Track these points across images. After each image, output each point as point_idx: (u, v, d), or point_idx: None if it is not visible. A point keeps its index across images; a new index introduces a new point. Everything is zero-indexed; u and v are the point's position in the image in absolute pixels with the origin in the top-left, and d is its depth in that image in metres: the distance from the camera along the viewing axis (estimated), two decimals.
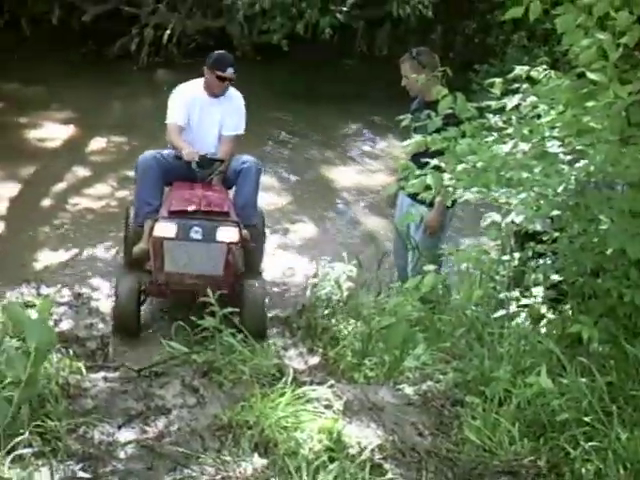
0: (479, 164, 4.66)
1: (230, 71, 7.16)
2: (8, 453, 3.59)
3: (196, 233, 6.50)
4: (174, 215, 6.62)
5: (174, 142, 7.20)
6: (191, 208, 6.64)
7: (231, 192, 7.37)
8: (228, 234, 6.57)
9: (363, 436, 4.15)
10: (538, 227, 5.31)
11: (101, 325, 6.74)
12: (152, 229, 6.67)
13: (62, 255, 7.88)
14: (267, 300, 6.89)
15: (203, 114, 7.30)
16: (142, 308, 6.73)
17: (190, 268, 6.55)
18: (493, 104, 4.80)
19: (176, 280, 6.58)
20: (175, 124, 7.23)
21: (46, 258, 7.79)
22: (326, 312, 6.53)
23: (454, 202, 5.96)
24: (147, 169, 7.14)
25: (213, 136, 7.36)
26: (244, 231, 6.82)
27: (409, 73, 6.43)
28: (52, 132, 11.11)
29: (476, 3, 14.52)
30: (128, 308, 6.56)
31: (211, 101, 7.31)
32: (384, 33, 15.47)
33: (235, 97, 7.44)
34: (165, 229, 6.55)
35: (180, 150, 7.06)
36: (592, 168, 4.55)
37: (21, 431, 3.73)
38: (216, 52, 7.37)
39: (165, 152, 7.27)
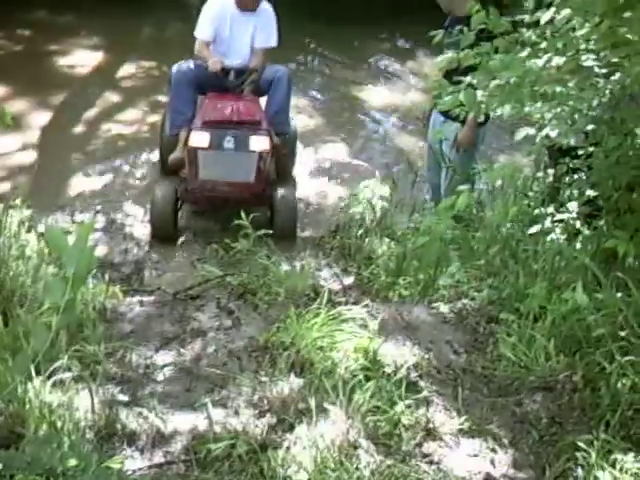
0: (512, 79, 4.58)
1: None
2: (48, 378, 3.63)
3: (229, 142, 6.78)
4: (208, 125, 6.87)
5: (202, 55, 7.30)
6: (224, 118, 6.89)
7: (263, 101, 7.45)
8: (260, 143, 6.84)
9: (399, 355, 4.17)
10: (572, 142, 5.24)
11: (135, 250, 6.77)
12: (187, 139, 6.96)
13: (95, 182, 7.89)
14: (296, 203, 7.15)
15: (234, 27, 7.35)
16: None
17: (223, 176, 6.85)
18: (526, 18, 4.70)
19: (210, 187, 6.88)
20: (202, 39, 7.32)
21: (79, 185, 7.80)
22: (359, 232, 6.50)
23: (487, 119, 5.90)
24: (181, 79, 7.32)
25: (245, 49, 7.42)
26: (276, 138, 7.13)
27: None
28: (82, 59, 11.04)
29: None
30: (165, 212, 6.87)
31: (242, 14, 7.34)
32: None
33: (266, 10, 7.46)
34: (199, 139, 6.82)
35: (206, 61, 7.19)
36: (628, 81, 4.47)
37: (60, 356, 3.77)
38: None
39: (199, 62, 7.36)
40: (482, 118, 5.67)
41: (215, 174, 6.86)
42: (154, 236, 6.95)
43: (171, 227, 6.94)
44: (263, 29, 7.41)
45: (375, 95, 10.49)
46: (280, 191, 7.00)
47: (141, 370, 4.10)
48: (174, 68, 7.45)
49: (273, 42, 7.49)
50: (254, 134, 6.86)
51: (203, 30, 7.33)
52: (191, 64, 7.40)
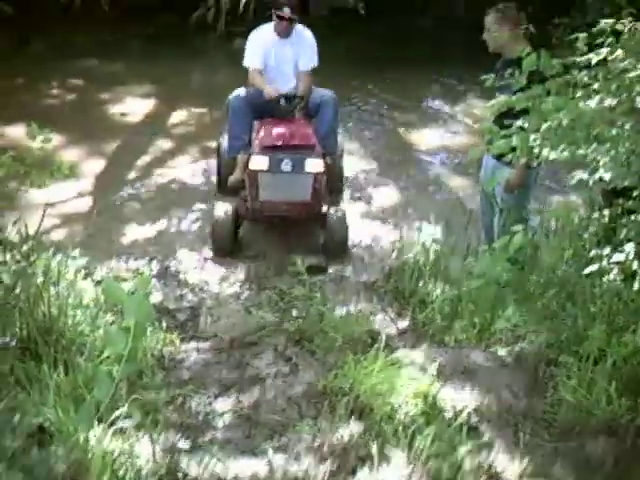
0: (565, 121, 4.57)
1: (287, 10, 7.77)
2: (109, 426, 3.65)
3: (286, 165, 7.30)
4: (266, 150, 7.41)
5: (256, 83, 7.95)
6: (281, 143, 7.44)
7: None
8: (315, 165, 7.36)
9: (458, 399, 4.15)
10: (627, 183, 5.20)
11: (190, 296, 6.78)
12: (246, 162, 7.57)
13: (149, 229, 7.95)
14: (347, 220, 7.58)
15: (277, 54, 8.04)
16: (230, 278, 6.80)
17: (282, 196, 7.39)
18: (578, 60, 4.69)
19: (269, 207, 7.45)
20: (254, 67, 7.99)
21: (134, 232, 7.86)
22: (413, 276, 6.48)
23: (539, 162, 5.87)
24: (238, 106, 7.93)
25: (289, 73, 8.11)
26: (327, 159, 7.74)
27: (492, 27, 6.34)
28: (133, 107, 11.20)
29: None
30: (226, 228, 7.41)
31: (283, 41, 8.02)
32: None
33: (304, 34, 8.13)
34: (259, 162, 7.36)
35: (261, 89, 7.85)
36: None
37: (120, 404, 3.79)
38: None
39: (252, 90, 7.99)
40: (535, 162, 5.65)
41: (274, 195, 7.37)
42: (216, 253, 7.43)
43: (232, 244, 7.46)
44: (304, 52, 8.07)
45: (426, 137, 10.51)
46: (332, 209, 7.56)
47: (201, 417, 4.11)
48: (231, 96, 8.04)
49: (315, 62, 8.13)
50: (309, 157, 7.36)
51: (253, 59, 8.01)
52: (246, 91, 7.99)
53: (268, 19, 8.06)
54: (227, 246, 7.45)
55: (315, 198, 7.43)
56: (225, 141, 8.23)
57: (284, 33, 7.95)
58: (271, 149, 7.41)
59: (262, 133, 7.67)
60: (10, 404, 3.97)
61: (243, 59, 8.09)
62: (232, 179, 7.98)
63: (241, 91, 8.04)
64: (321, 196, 7.52)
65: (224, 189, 8.21)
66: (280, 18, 7.83)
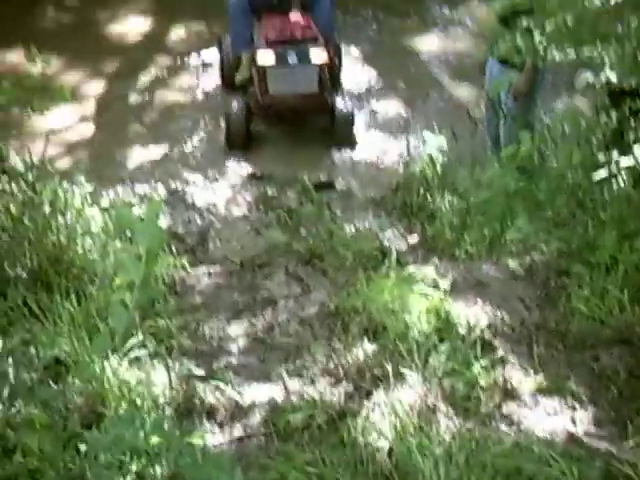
0: (570, 20, 4.46)
1: None
2: (124, 355, 3.66)
3: (292, 58, 7.60)
4: (272, 44, 7.65)
5: None
6: (286, 37, 7.69)
7: None
8: (319, 56, 7.66)
9: (471, 314, 4.15)
10: (633, 84, 5.12)
11: (198, 219, 6.75)
12: (252, 58, 7.84)
13: (154, 151, 7.88)
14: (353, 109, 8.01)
15: None
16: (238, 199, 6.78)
17: (290, 89, 7.67)
18: None
19: (279, 101, 7.72)
20: None
21: (138, 155, 7.80)
22: (421, 189, 6.44)
23: (544, 63, 5.77)
24: (237, 5, 8.19)
25: None
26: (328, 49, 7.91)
27: None
28: (131, 25, 10.98)
29: None
30: (239, 124, 7.74)
31: None
32: None
33: None
34: (266, 58, 7.61)
35: None
36: None
37: (134, 332, 3.80)
38: None
39: None
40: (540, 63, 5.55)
41: (283, 88, 7.65)
42: (231, 148, 7.77)
43: (245, 138, 7.80)
44: None
45: (427, 44, 10.31)
46: (338, 99, 7.92)
47: (214, 342, 4.12)
48: None
49: None
50: (313, 48, 7.63)
51: None
52: None
53: None
54: (241, 140, 7.76)
55: (321, 88, 7.73)
56: (225, 38, 8.53)
57: None
58: (276, 44, 7.64)
59: (265, 29, 7.85)
60: (25, 336, 3.99)
61: None
62: (239, 77, 8.20)
63: None
64: (327, 86, 7.83)
65: (228, 85, 8.47)
66: None
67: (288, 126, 8.10)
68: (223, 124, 7.94)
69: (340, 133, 7.84)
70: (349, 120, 7.88)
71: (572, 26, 4.44)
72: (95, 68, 9.63)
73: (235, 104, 7.78)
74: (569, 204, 5.09)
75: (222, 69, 8.73)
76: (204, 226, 6.52)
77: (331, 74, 8.08)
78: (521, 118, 6.25)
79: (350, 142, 7.86)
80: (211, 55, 9.47)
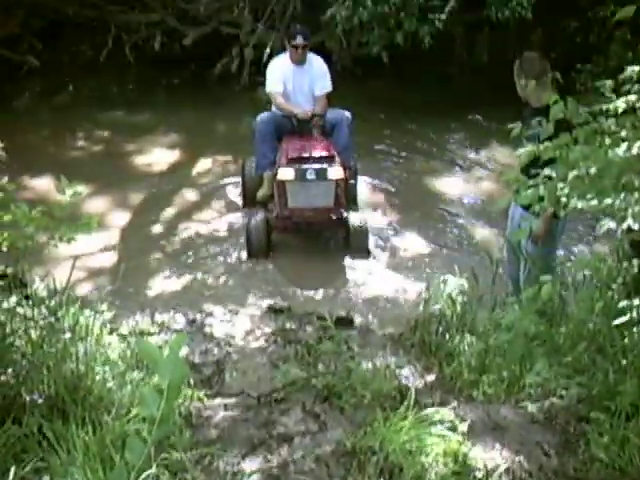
0: (593, 170, 4.52)
1: (300, 39, 8.91)
2: None
3: (311, 174, 8.24)
4: (292, 161, 8.34)
5: (283, 106, 8.99)
6: (305, 154, 8.40)
7: None
8: (336, 173, 8.29)
9: (489, 458, 4.09)
10: None
11: (216, 350, 6.74)
12: (273, 177, 8.58)
13: (174, 281, 7.97)
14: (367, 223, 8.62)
15: (294, 81, 9.09)
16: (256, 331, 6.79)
17: (308, 203, 8.33)
18: (605, 107, 4.65)
19: (297, 214, 8.40)
20: (276, 92, 9.03)
21: (159, 284, 7.88)
22: (440, 328, 6.43)
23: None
24: (264, 128, 8.98)
25: (305, 98, 9.14)
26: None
27: (517, 76, 6.34)
28: (158, 156, 11.26)
29: (576, 1, 14.20)
30: (260, 235, 8.40)
31: (298, 69, 9.09)
32: (483, 38, 15.31)
33: (317, 62, 9.26)
34: (286, 173, 8.30)
35: (290, 111, 8.92)
36: None
37: (148, 465, 3.75)
38: (292, 25, 10.01)
39: (278, 113, 9.09)
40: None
41: (301, 202, 8.32)
42: (252, 256, 8.39)
43: (265, 249, 8.42)
44: (319, 78, 9.16)
45: (450, 184, 10.50)
46: (353, 214, 8.59)
47: (229, 478, 4.06)
48: (258, 119, 9.07)
49: (329, 87, 9.21)
50: (331, 166, 8.28)
51: (275, 84, 9.05)
52: (270, 115, 9.10)
53: (284, 49, 9.29)
54: (261, 249, 8.38)
55: (337, 203, 8.37)
56: (250, 161, 9.30)
57: (298, 61, 9.02)
58: (296, 160, 8.33)
59: (287, 148, 8.58)
60: (38, 465, 3.96)
61: (265, 86, 9.22)
62: (260, 194, 9.02)
63: (266, 114, 9.12)
64: (342, 202, 8.46)
65: (249, 204, 9.27)
66: (294, 47, 8.92)
67: (305, 239, 8.70)
68: (243, 239, 8.51)
69: (355, 244, 8.47)
70: (363, 233, 8.47)
71: (595, 176, 4.50)
72: (121, 198, 9.84)
73: (256, 217, 8.45)
74: (589, 349, 5.07)
75: (244, 189, 9.46)
76: (221, 357, 6.49)
77: (347, 190, 8.69)
78: (541, 262, 6.28)
79: (364, 252, 8.47)
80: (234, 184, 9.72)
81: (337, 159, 8.41)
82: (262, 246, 8.38)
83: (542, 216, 6.13)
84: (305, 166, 8.26)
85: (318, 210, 8.38)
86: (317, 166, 8.26)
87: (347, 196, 8.73)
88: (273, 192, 8.70)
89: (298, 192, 8.29)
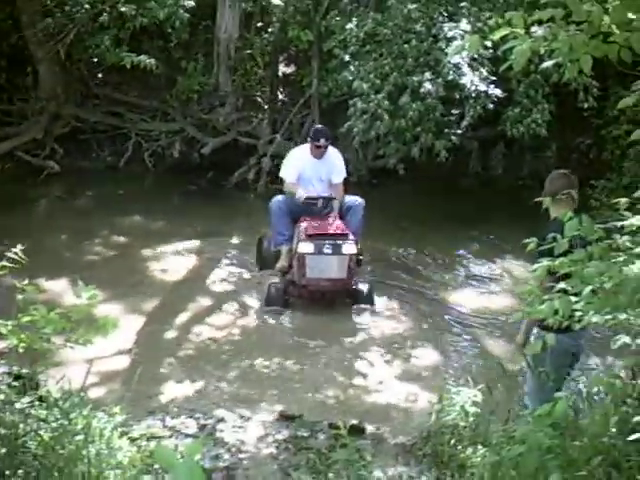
0: (608, 286, 4.56)
1: (322, 141, 9.99)
2: None
3: (327, 249, 9.44)
4: (311, 237, 9.50)
5: (289, 188, 10.09)
6: (322, 232, 9.56)
7: None
8: (349, 248, 9.50)
9: None
10: None
11: (226, 456, 6.71)
12: (291, 250, 9.80)
13: (187, 387, 7.95)
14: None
15: (311, 171, 10.19)
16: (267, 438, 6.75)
17: (324, 274, 9.50)
18: (620, 224, 4.70)
19: (314, 283, 9.57)
20: (290, 181, 10.15)
21: (171, 390, 7.86)
22: (452, 439, 6.39)
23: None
24: (279, 208, 10.08)
25: (322, 185, 10.26)
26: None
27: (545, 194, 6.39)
28: (173, 263, 11.35)
29: (590, 119, 14.45)
30: (278, 298, 9.65)
31: (316, 161, 10.19)
32: (498, 153, 15.55)
33: (334, 154, 10.38)
34: (306, 247, 9.48)
35: (292, 193, 9.94)
36: None
37: None
38: (314, 126, 11.05)
39: (289, 197, 10.07)
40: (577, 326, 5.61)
41: (318, 273, 9.46)
42: (270, 307, 9.66)
43: (284, 305, 9.67)
44: (335, 169, 10.34)
45: (465, 298, 10.53)
46: (360, 284, 9.87)
47: None
48: (273, 200, 10.18)
49: (344, 174, 10.45)
50: (345, 242, 9.47)
51: (290, 173, 10.19)
52: (285, 197, 10.12)
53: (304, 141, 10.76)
54: (280, 306, 9.60)
55: (349, 275, 9.56)
56: (266, 238, 10.47)
57: (318, 157, 10.10)
58: (315, 237, 9.46)
59: (306, 226, 9.66)
60: None
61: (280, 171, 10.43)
62: (279, 266, 10.01)
63: (280, 197, 10.17)
64: (354, 273, 9.64)
65: (263, 266, 10.49)
66: (317, 147, 10.00)
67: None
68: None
69: (361, 303, 9.74)
70: (369, 298, 9.75)
71: (610, 292, 4.52)
72: (136, 302, 9.89)
73: (275, 284, 9.70)
74: (604, 464, 5.02)
75: (258, 259, 10.68)
76: (232, 463, 6.47)
77: (357, 262, 9.80)
78: (556, 376, 6.26)
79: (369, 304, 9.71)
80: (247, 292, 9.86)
81: (351, 236, 9.55)
82: (280, 305, 9.62)
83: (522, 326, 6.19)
84: (323, 241, 9.39)
85: (333, 281, 9.55)
86: (333, 242, 9.41)
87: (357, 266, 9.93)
88: (290, 264, 9.84)
89: (316, 264, 9.43)
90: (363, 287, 9.82)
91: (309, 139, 10.23)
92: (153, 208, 13.67)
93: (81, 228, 12.58)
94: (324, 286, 9.61)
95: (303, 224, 9.78)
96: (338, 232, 9.59)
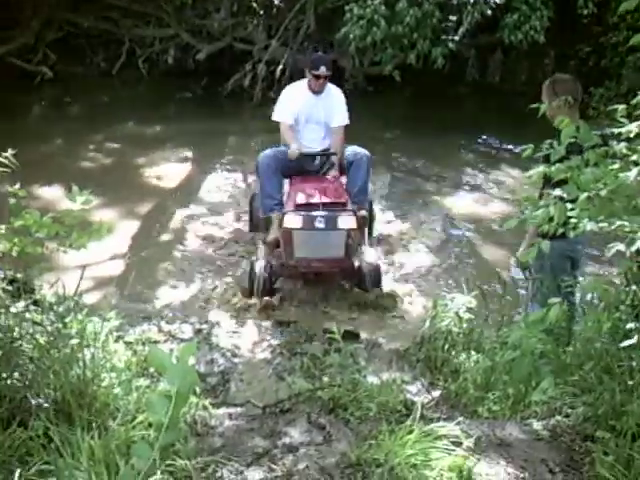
0: (604, 192, 4.53)
1: (323, 69, 8.15)
2: None
3: (320, 223, 7.45)
4: (300, 208, 7.59)
5: (286, 139, 8.32)
6: (314, 201, 7.63)
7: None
8: (347, 222, 7.49)
9: (493, 473, 4.08)
10: None
11: (221, 360, 6.76)
12: (281, 221, 7.68)
13: (181, 291, 7.98)
14: (380, 266, 8.00)
15: (309, 111, 8.42)
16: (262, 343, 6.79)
17: (316, 253, 7.59)
18: (617, 131, 4.66)
19: (304, 264, 7.67)
20: (285, 123, 8.38)
21: (166, 294, 7.89)
22: (446, 345, 6.43)
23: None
24: (268, 166, 8.15)
25: (319, 131, 8.55)
26: (360, 212, 7.96)
27: (545, 99, 6.29)
28: (169, 170, 11.31)
29: (589, 26, 14.28)
30: (263, 283, 7.60)
31: (314, 98, 8.40)
32: (496, 60, 15.40)
33: (335, 93, 8.56)
34: (293, 221, 7.51)
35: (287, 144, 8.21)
36: None
37: (152, 472, 3.75)
38: (314, 54, 8.91)
39: (282, 149, 8.27)
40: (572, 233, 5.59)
41: (309, 252, 7.57)
42: (252, 295, 7.66)
43: (269, 293, 7.66)
44: (336, 110, 8.47)
45: (460, 205, 10.52)
46: (365, 260, 7.85)
47: None
48: (260, 155, 8.31)
49: (346, 120, 8.54)
50: (341, 214, 7.51)
51: (284, 114, 8.41)
52: (275, 150, 8.28)
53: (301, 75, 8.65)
54: (265, 294, 7.61)
55: (348, 254, 7.60)
56: (258, 197, 8.52)
57: (318, 90, 8.34)
58: (304, 207, 7.59)
59: (294, 192, 7.88)
60: (43, 468, 3.95)
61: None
62: (269, 239, 8.00)
63: (270, 151, 8.28)
64: (353, 251, 7.72)
65: (253, 228, 8.82)
66: (317, 77, 8.19)
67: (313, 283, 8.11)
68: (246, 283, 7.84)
69: (366, 288, 7.76)
70: (375, 280, 7.78)
71: (606, 198, 4.50)
72: (131, 209, 9.87)
73: (260, 264, 7.71)
74: (596, 369, 5.06)
75: (250, 218, 8.91)
76: (227, 367, 6.52)
77: (361, 233, 8.05)
78: (550, 282, 6.27)
79: (376, 292, 7.78)
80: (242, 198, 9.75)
81: (349, 205, 7.76)
82: (266, 293, 7.66)
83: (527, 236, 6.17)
84: (314, 213, 7.49)
85: (327, 261, 7.65)
86: (327, 214, 7.49)
87: (363, 236, 8.21)
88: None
89: (305, 241, 7.53)
90: (368, 267, 7.86)
91: (307, 70, 8.34)
92: (148, 115, 13.58)
93: (75, 135, 12.51)
94: (317, 267, 7.74)
95: (293, 189, 8.04)
96: (334, 200, 7.71)
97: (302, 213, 7.50)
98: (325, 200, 7.63)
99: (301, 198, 7.71)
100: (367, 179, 8.37)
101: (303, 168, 8.27)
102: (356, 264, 7.80)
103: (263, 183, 8.21)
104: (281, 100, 8.57)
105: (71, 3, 16.13)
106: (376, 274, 7.80)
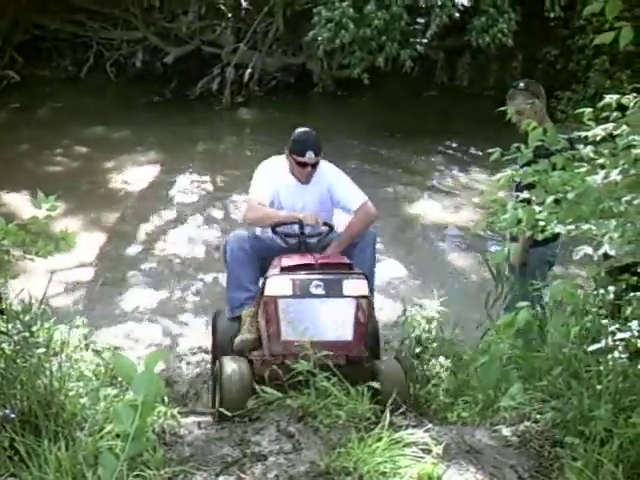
0: (570, 195, 4.55)
1: (310, 155, 5.81)
2: None
3: (317, 288, 5.22)
4: (288, 270, 5.33)
5: (265, 213, 5.92)
6: (307, 262, 5.42)
7: None
8: (356, 287, 5.26)
9: None
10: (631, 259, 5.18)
11: (190, 368, 6.74)
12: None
13: (151, 298, 7.95)
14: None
15: (292, 199, 6.03)
16: None
17: (311, 334, 5.11)
18: (584, 134, 4.68)
19: (294, 350, 5.03)
20: (258, 201, 5.92)
21: (135, 300, 7.87)
22: (415, 350, 6.43)
23: (556, 236, 5.81)
24: (241, 250, 5.82)
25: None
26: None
27: (519, 104, 6.18)
28: (136, 174, 11.27)
29: (557, 29, 14.37)
30: (241, 396, 5.07)
31: (300, 187, 6.01)
32: (464, 63, 15.46)
33: (328, 171, 6.10)
34: (279, 285, 5.26)
35: (287, 218, 5.82)
36: None
37: None
38: (297, 131, 5.97)
39: (257, 231, 6.13)
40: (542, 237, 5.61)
41: (301, 332, 5.12)
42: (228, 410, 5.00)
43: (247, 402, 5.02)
44: (343, 191, 6.09)
45: (429, 211, 10.53)
46: (385, 359, 5.88)
47: None
48: (230, 237, 6.00)
49: (362, 196, 6.12)
50: (348, 277, 5.30)
51: (262, 193, 5.93)
52: (250, 234, 6.01)
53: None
54: (240, 404, 5.00)
55: (358, 333, 5.25)
56: (223, 315, 6.03)
57: (303, 181, 5.96)
58: (295, 269, 5.33)
59: (278, 261, 5.50)
60: None
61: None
62: (238, 341, 5.54)
63: (242, 233, 6.02)
64: (365, 334, 5.38)
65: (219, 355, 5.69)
66: (301, 165, 5.85)
67: None
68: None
69: (388, 394, 4.80)
70: (400, 381, 5.31)
71: (573, 202, 4.52)
72: (99, 214, 9.84)
73: (232, 368, 5.18)
74: (564, 374, 5.07)
75: (214, 349, 6.07)
76: (196, 375, 6.50)
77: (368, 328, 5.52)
78: (520, 286, 6.29)
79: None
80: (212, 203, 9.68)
81: (357, 269, 5.46)
82: (240, 401, 4.99)
83: (520, 241, 6.15)
84: (309, 276, 5.26)
85: (327, 346, 4.96)
86: (327, 277, 5.26)
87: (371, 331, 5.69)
88: (258, 336, 5.46)
89: (297, 315, 5.21)
90: (384, 366, 5.49)
91: (287, 150, 5.92)
92: (115, 119, 13.51)
93: (42, 139, 12.43)
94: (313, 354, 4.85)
95: (275, 261, 5.53)
96: (335, 261, 5.53)
97: (292, 276, 5.27)
98: (324, 261, 5.49)
99: (289, 261, 5.43)
100: (374, 263, 6.15)
101: (291, 249, 5.78)
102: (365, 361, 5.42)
103: (233, 272, 5.86)
104: (256, 178, 6.05)
105: (38, 5, 16.03)
106: (402, 391, 5.12)
